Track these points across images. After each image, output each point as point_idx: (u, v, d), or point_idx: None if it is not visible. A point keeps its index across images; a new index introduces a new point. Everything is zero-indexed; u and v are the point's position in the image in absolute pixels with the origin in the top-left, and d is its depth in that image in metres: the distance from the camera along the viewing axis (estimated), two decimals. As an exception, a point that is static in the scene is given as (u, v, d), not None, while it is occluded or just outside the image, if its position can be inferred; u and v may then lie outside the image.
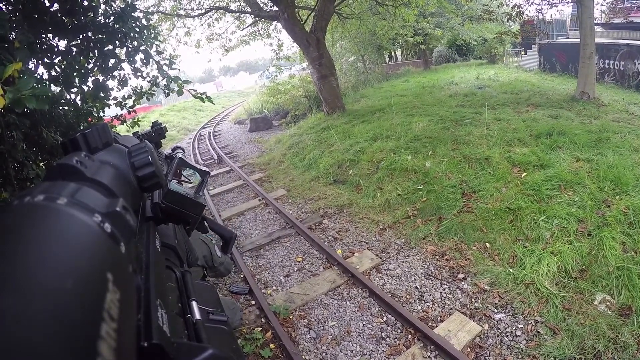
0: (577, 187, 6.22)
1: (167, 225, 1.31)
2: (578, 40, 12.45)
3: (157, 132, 2.09)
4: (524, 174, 6.89)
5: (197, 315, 0.93)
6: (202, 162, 14.86)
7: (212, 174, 12.74)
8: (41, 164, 4.17)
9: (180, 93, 4.66)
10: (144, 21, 4.60)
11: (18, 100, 1.81)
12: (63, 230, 0.43)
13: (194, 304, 0.97)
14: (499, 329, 4.38)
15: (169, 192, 1.19)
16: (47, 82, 3.88)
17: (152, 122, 2.15)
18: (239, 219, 8.58)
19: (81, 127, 4.41)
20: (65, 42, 4.04)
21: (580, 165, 6.88)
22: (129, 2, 4.33)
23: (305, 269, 6.18)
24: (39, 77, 3.75)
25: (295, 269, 6.24)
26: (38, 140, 3.84)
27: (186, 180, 1.71)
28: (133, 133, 2.03)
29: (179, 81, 4.58)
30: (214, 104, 4.53)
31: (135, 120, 5.21)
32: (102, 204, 0.53)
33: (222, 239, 2.20)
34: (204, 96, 4.81)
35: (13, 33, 3.10)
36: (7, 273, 0.34)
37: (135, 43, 4.46)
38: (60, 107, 4.14)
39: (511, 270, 5.11)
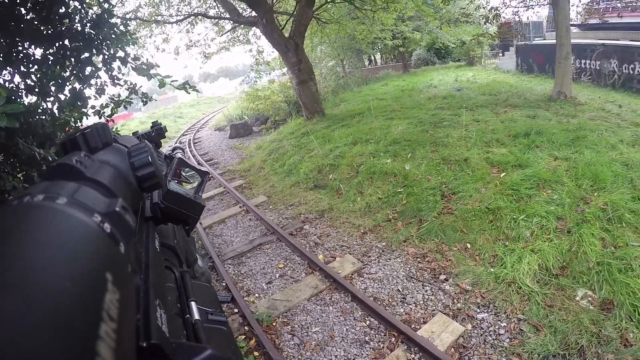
0: (556, 186, 6.27)
1: (167, 226, 1.33)
2: (554, 41, 12.58)
3: (157, 132, 2.06)
4: (503, 174, 6.94)
5: (196, 316, 0.93)
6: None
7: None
8: (19, 175, 4.11)
9: (161, 86, 4.58)
10: (121, 27, 4.54)
11: None
12: (62, 230, 0.44)
13: (193, 304, 0.98)
14: (482, 329, 4.38)
15: (168, 192, 1.20)
16: (23, 92, 3.83)
17: (152, 122, 2.13)
18: (220, 226, 8.52)
19: (58, 137, 4.35)
20: (42, 50, 3.98)
21: (558, 163, 6.93)
22: (106, 8, 4.28)
23: (287, 275, 6.14)
24: (12, 88, 3.69)
25: (277, 275, 6.20)
26: (15, 151, 3.77)
27: (185, 180, 1.69)
28: (133, 133, 2.01)
29: (159, 77, 4.52)
30: (199, 92, 4.50)
31: (114, 129, 5.14)
32: (101, 204, 0.54)
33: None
34: (187, 86, 4.75)
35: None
36: (6, 273, 0.34)
37: (112, 50, 4.40)
38: (37, 117, 4.08)
39: (492, 269, 5.12)
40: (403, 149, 9.05)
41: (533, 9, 15.39)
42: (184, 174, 1.72)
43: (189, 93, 4.81)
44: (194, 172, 1.74)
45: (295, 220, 7.90)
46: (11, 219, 0.43)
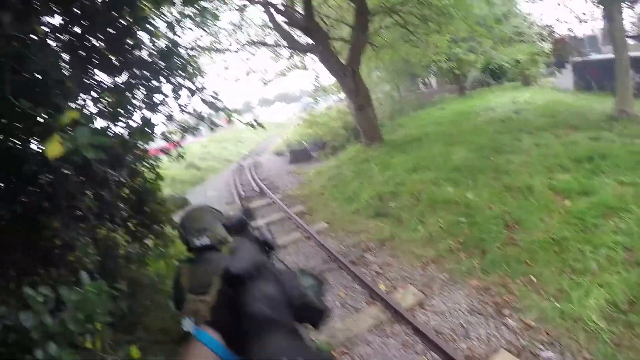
0: (623, 214, 6.07)
1: None
2: (611, 55, 12.24)
3: (246, 214, 2.60)
4: (568, 202, 6.79)
5: None
6: (244, 194, 15.20)
7: (253, 205, 13.01)
8: (89, 193, 4.37)
9: (230, 121, 4.76)
10: (187, 57, 4.74)
11: (76, 150, 1.92)
12: None
13: None
14: (547, 368, 4.31)
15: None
16: (95, 117, 4.06)
17: (242, 208, 2.72)
18: (281, 252, 8.62)
19: (127, 159, 4.60)
20: (112, 78, 4.22)
21: (625, 189, 6.72)
22: (172, 40, 4.47)
23: (348, 304, 6.21)
24: (85, 114, 3.93)
25: (338, 304, 6.28)
26: (87, 172, 4.00)
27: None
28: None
29: (228, 111, 4.69)
30: (265, 128, 4.65)
31: (181, 154, 5.39)
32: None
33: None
34: (254, 123, 4.88)
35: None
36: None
37: (179, 79, 4.59)
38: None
39: (558, 304, 4.97)
40: (464, 177, 8.97)
41: (587, 23, 15.00)
42: (303, 280, 1.99)
43: (255, 129, 4.96)
44: (312, 278, 2.04)
45: (357, 248, 7.97)
46: None
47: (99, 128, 4.09)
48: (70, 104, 2.64)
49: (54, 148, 1.85)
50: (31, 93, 2.78)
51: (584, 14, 14.08)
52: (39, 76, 2.54)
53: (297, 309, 1.73)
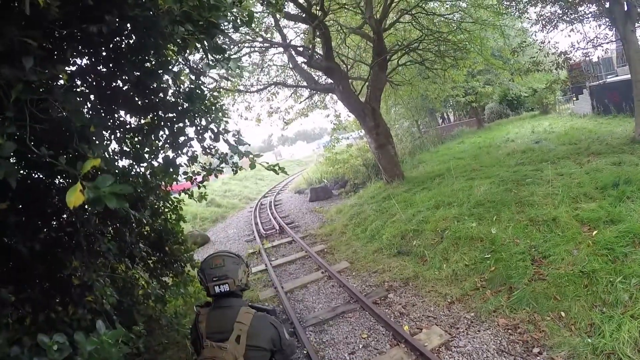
0: (653, 241, 5.86)
1: None
2: (628, 76, 12.09)
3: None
4: (595, 232, 6.59)
5: None
6: (264, 232, 15.24)
7: (274, 244, 13.13)
8: (110, 229, 4.42)
9: (253, 167, 4.74)
10: (211, 99, 4.76)
11: (98, 199, 1.87)
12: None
13: None
14: (581, 408, 4.11)
15: None
16: (118, 156, 4.08)
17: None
18: (302, 291, 8.66)
19: (150, 199, 4.59)
20: (137, 119, 4.26)
21: (653, 215, 6.51)
22: (197, 82, 4.48)
23: (371, 346, 6.07)
24: (109, 154, 3.95)
25: (361, 346, 6.14)
26: (109, 212, 3.99)
27: None
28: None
29: (251, 155, 4.67)
30: (287, 174, 4.62)
31: (203, 194, 5.38)
32: None
33: None
34: (277, 168, 4.87)
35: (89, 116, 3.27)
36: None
37: (203, 122, 4.60)
38: (130, 179, 4.32)
39: (589, 340, 4.78)
40: (487, 211, 8.80)
41: (602, 47, 14.92)
42: None
43: (278, 174, 4.93)
44: None
45: (379, 288, 7.85)
46: None
47: (125, 166, 4.14)
48: (93, 149, 2.61)
49: (75, 197, 1.80)
50: (53, 140, 2.79)
51: (597, 37, 13.95)
52: (62, 121, 2.51)
53: None
